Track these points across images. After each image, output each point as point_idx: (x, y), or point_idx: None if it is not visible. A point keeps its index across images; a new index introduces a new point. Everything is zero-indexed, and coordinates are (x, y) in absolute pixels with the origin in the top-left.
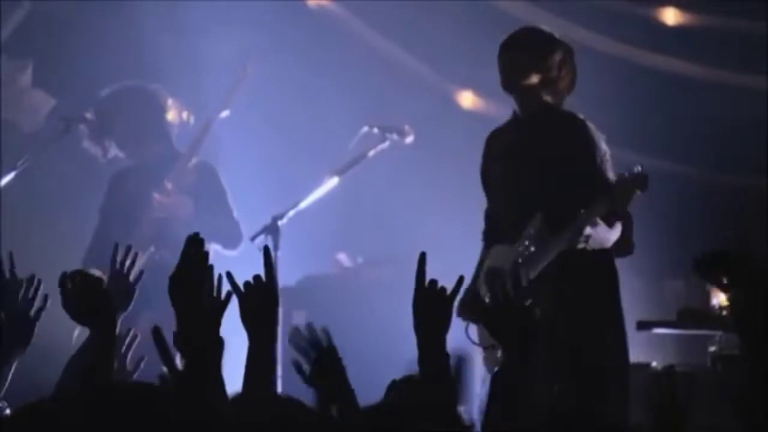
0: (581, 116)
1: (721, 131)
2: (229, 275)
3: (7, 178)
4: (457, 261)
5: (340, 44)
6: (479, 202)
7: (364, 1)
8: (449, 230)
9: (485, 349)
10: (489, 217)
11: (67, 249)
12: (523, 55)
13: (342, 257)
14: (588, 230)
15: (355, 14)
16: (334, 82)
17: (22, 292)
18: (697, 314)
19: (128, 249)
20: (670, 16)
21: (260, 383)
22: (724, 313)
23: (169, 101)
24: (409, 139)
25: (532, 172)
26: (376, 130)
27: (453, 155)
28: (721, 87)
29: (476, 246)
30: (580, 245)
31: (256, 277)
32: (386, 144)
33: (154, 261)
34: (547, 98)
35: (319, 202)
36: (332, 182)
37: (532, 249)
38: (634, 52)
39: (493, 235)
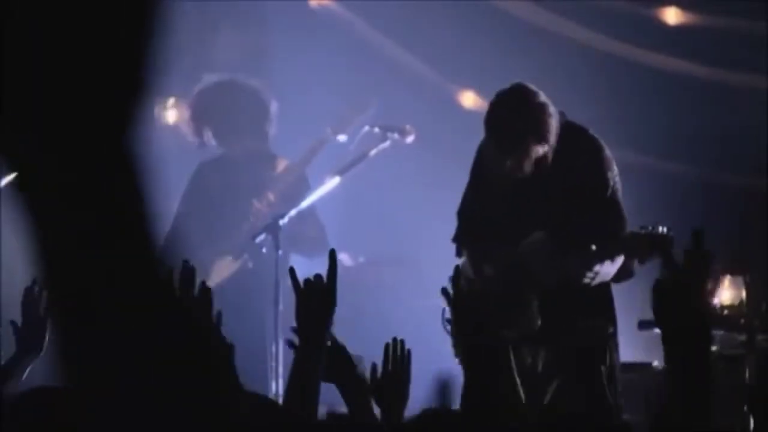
0: (597, 136)
1: (721, 131)
2: (291, 271)
3: (8, 178)
4: (457, 260)
5: (341, 44)
6: None
7: (366, 1)
8: (451, 230)
9: None
10: (473, 218)
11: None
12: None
13: (344, 257)
14: (597, 267)
15: (357, 14)
16: (336, 82)
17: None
18: None
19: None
20: (671, 15)
21: (305, 390)
22: (726, 312)
23: (273, 102)
24: (411, 139)
25: (550, 187)
26: (377, 129)
27: (454, 155)
28: (722, 87)
29: None
30: (586, 280)
31: (317, 276)
32: (387, 143)
33: (247, 269)
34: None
35: (321, 202)
36: (333, 182)
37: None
38: (635, 51)
39: (478, 236)
